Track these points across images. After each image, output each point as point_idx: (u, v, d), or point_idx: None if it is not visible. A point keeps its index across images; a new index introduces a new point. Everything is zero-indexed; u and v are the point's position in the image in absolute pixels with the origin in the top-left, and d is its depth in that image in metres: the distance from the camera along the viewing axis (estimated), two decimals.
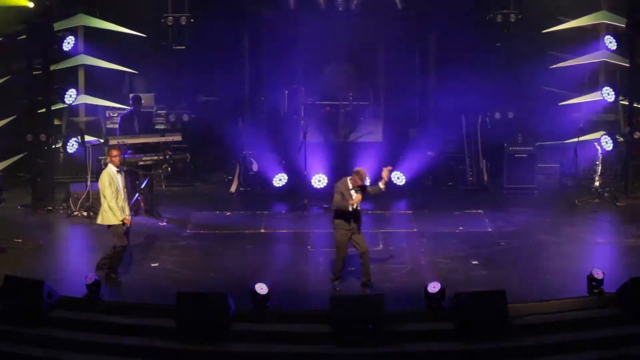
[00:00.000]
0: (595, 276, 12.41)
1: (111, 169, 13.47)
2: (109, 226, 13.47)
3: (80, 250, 15.18)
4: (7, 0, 17.78)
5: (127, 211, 13.58)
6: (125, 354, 11.60)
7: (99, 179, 13.54)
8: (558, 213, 17.16)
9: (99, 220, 13.60)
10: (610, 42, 18.74)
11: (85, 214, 16.87)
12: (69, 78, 19.12)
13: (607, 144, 18.20)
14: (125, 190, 13.64)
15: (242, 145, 19.34)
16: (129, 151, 16.87)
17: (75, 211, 17.01)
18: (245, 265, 14.43)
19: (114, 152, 13.58)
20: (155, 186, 17.81)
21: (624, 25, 18.53)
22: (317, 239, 15.69)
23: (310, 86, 20.37)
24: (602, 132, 18.65)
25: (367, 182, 13.47)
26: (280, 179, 18.77)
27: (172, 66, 19.55)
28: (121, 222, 13.38)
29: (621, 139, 18.51)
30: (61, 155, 19.06)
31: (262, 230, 16.37)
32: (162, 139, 17.80)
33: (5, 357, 11.51)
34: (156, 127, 19.17)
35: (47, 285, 12.26)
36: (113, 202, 13.32)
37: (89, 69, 19.65)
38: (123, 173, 13.72)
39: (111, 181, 13.38)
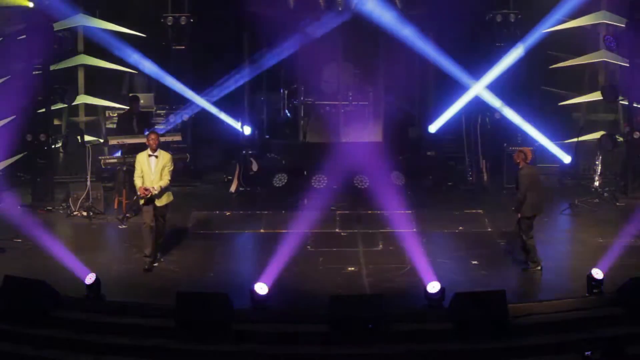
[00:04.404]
0: (595, 276, 12.41)
1: (147, 151, 13.88)
2: None
3: (80, 250, 15.15)
4: (7, 0, 17.78)
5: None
6: (126, 354, 11.60)
7: None
8: (558, 213, 17.17)
9: None
10: (610, 42, 18.75)
11: (85, 213, 16.88)
12: (69, 78, 19.12)
13: (607, 144, 18.20)
14: (159, 175, 13.79)
15: (242, 145, 19.34)
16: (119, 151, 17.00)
17: (75, 211, 17.01)
18: (245, 265, 14.44)
19: (152, 136, 13.92)
20: None
21: (624, 25, 18.55)
22: (317, 239, 15.70)
23: (310, 86, 20.37)
24: (602, 132, 18.65)
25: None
26: (280, 179, 18.76)
27: (172, 66, 19.56)
28: (142, 200, 13.86)
29: (621, 139, 18.51)
30: (61, 155, 19.07)
31: (262, 230, 16.37)
32: (162, 139, 17.79)
33: (5, 357, 11.51)
34: (155, 127, 19.19)
35: (47, 285, 12.26)
36: (136, 181, 13.87)
37: (89, 69, 19.66)
38: (157, 158, 13.87)
39: (137, 161, 13.91)
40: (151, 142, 13.85)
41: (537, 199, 13.65)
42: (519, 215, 13.60)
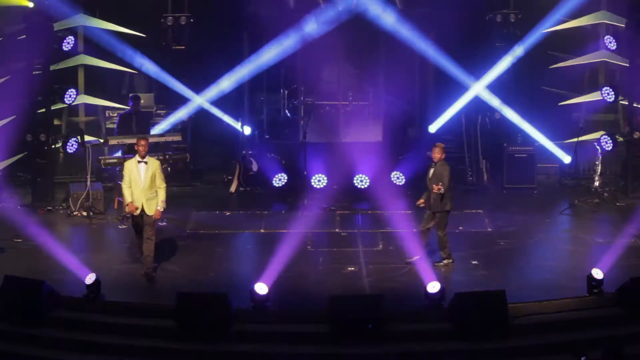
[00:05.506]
0: (595, 276, 12.41)
1: (136, 158, 13.53)
2: None
3: (80, 250, 15.16)
4: (7, 0, 17.78)
5: (140, 205, 13.42)
6: (125, 354, 11.60)
7: None
8: (558, 213, 17.17)
9: None
10: (610, 42, 18.74)
11: (85, 214, 16.87)
12: (69, 78, 19.12)
13: (607, 144, 18.19)
14: (149, 182, 13.40)
15: (242, 145, 19.34)
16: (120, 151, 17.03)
17: (75, 211, 17.00)
18: (245, 265, 14.43)
19: (141, 142, 13.52)
20: None
21: (624, 25, 18.53)
22: (317, 239, 15.69)
23: (310, 86, 20.36)
24: (602, 132, 18.64)
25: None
26: (280, 179, 18.76)
27: (172, 66, 19.55)
28: (130, 212, 13.58)
29: (621, 139, 18.50)
30: (61, 155, 19.06)
31: (262, 230, 16.37)
32: (162, 139, 17.80)
33: (5, 357, 11.51)
34: (155, 127, 19.19)
35: (47, 285, 12.27)
36: (124, 189, 13.53)
37: (89, 69, 19.66)
38: (147, 164, 13.49)
39: (126, 169, 13.54)
40: (140, 148, 13.43)
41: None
42: (442, 210, 13.96)
